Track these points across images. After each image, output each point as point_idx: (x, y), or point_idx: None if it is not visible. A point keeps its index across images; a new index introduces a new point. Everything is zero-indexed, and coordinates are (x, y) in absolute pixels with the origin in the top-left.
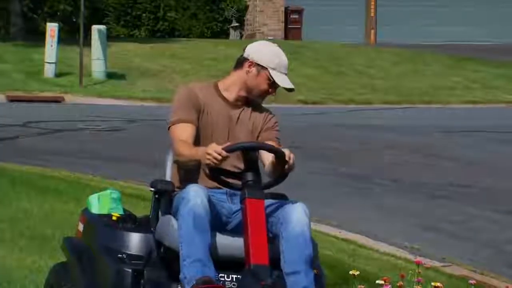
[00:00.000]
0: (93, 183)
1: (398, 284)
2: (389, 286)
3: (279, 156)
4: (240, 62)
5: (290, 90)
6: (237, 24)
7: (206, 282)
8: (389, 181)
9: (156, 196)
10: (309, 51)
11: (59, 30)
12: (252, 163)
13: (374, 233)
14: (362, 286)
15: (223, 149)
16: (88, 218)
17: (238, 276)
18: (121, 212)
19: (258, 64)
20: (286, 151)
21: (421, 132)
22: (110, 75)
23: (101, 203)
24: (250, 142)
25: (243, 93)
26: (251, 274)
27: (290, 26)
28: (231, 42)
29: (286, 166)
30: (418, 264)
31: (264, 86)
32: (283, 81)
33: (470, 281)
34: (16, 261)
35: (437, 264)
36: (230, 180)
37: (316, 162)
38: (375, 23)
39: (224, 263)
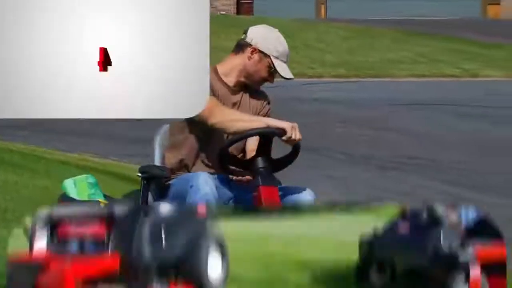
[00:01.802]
0: (48, 156)
1: None
2: None
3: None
4: (241, 46)
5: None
6: None
7: None
8: (340, 153)
9: (145, 182)
10: None
11: None
12: (266, 148)
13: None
14: None
15: None
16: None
17: None
18: (102, 198)
19: (261, 51)
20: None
21: (370, 106)
22: None
23: (79, 188)
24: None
25: (242, 79)
26: None
27: (242, 1)
28: None
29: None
30: None
31: (264, 73)
32: (284, 70)
33: None
34: None
35: None
36: (236, 169)
37: None
38: None
39: None
